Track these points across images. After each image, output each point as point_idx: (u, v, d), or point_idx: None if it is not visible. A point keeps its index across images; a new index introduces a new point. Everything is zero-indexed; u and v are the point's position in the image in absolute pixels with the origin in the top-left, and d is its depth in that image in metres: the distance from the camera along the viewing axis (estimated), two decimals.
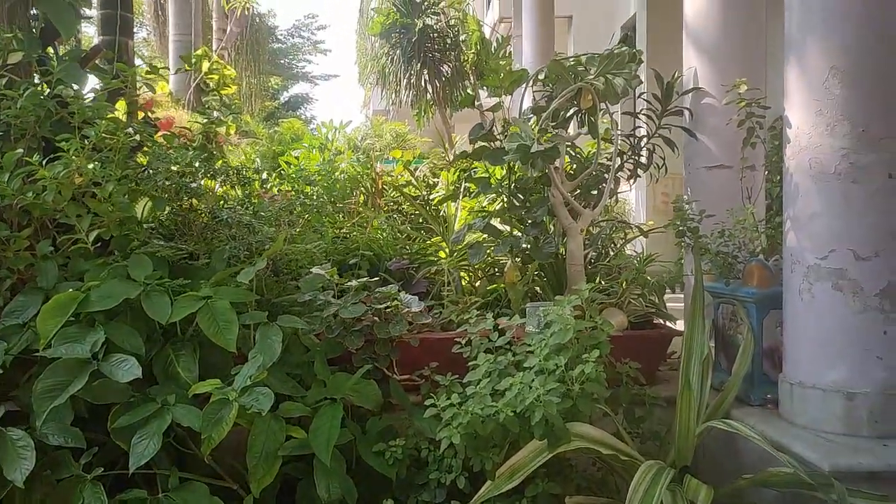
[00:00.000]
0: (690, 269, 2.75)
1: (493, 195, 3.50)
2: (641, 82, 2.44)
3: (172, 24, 10.12)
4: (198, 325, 2.10)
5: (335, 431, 1.96)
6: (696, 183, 2.83)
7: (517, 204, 2.91)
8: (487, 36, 9.64)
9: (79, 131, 2.41)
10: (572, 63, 2.60)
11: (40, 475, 1.75)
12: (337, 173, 5.79)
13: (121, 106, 2.98)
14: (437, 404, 1.95)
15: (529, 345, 2.08)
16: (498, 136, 2.82)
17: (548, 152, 2.26)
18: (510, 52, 8.93)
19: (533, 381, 1.85)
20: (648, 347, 2.52)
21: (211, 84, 5.50)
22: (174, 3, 10.06)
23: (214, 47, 12.84)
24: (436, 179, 5.63)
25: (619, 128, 2.81)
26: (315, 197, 3.36)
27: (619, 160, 2.91)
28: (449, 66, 8.31)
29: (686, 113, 2.83)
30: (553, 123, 2.52)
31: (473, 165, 5.30)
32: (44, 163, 2.17)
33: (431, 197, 5.32)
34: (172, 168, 2.39)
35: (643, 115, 2.90)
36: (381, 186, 5.46)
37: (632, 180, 3.02)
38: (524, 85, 2.84)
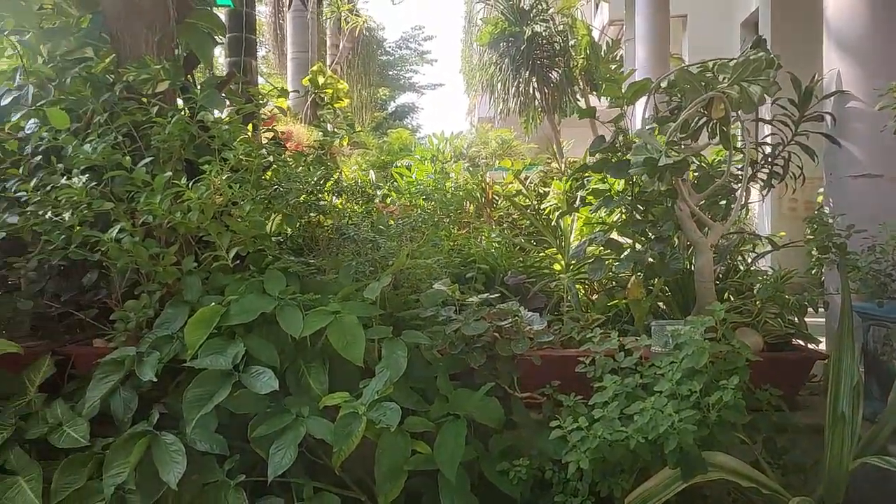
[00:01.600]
0: (834, 287, 2.54)
1: (607, 208, 3.42)
2: (780, 89, 2.29)
3: (290, 42, 10.65)
4: (326, 339, 2.19)
5: (460, 448, 1.97)
6: (839, 193, 2.62)
7: (639, 217, 2.82)
8: (597, 40, 9.46)
9: (218, 154, 2.58)
10: (699, 70, 2.48)
11: (189, 478, 1.86)
12: (448, 184, 5.86)
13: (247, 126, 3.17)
14: (562, 426, 1.91)
15: (659, 367, 2.00)
16: (619, 148, 2.74)
17: (677, 165, 2.16)
18: (621, 56, 8.71)
19: (666, 406, 1.77)
20: (788, 371, 2.35)
21: (325, 98, 5.71)
22: (292, 23, 10.59)
23: (328, 62, 13.41)
24: (546, 189, 5.56)
25: (750, 135, 2.65)
26: (431, 210, 3.40)
27: (750, 170, 2.74)
28: (557, 73, 8.23)
29: (828, 118, 2.62)
30: (682, 135, 2.42)
31: (586, 175, 5.20)
32: (190, 184, 2.33)
33: (542, 207, 5.26)
34: (302, 187, 2.49)
35: (777, 121, 2.72)
36: (490, 196, 5.46)
37: (765, 191, 2.84)
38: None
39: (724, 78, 2.31)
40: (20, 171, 2.56)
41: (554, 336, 2.39)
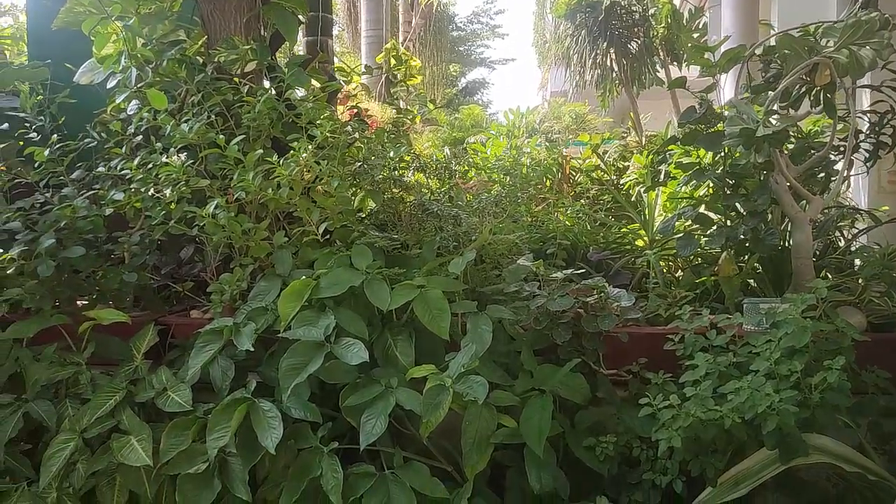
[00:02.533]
0: None
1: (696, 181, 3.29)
2: (894, 51, 2.13)
3: (364, 20, 10.74)
4: (411, 312, 2.23)
5: (546, 423, 1.97)
6: None
7: (729, 191, 2.71)
8: (678, 7, 9.06)
9: (305, 131, 2.64)
10: (801, 34, 2.34)
11: (285, 444, 1.95)
12: (524, 159, 5.80)
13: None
14: (652, 404, 1.88)
15: (754, 346, 1.93)
16: (710, 119, 2.63)
17: (776, 136, 2.06)
18: (704, 24, 8.33)
19: (764, 385, 1.71)
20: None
21: (399, 76, 5.75)
22: (366, 1, 10.67)
23: (400, 39, 13.45)
24: (626, 163, 5.42)
25: (855, 104, 2.49)
26: (510, 186, 3.38)
27: (854, 140, 2.58)
28: (636, 43, 7.95)
29: None
30: (783, 104, 2.29)
31: (669, 148, 5.03)
32: (280, 161, 2.40)
33: (622, 182, 5.13)
34: (385, 163, 2.52)
35: (887, 87, 2.54)
36: (568, 172, 5.38)
37: (870, 163, 2.67)
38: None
39: (829, 42, 2.17)
40: (123, 150, 2.70)
41: (640, 313, 2.34)
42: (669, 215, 3.57)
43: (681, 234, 2.70)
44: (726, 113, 2.50)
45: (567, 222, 3.29)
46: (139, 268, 2.70)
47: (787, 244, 2.55)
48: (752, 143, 2.08)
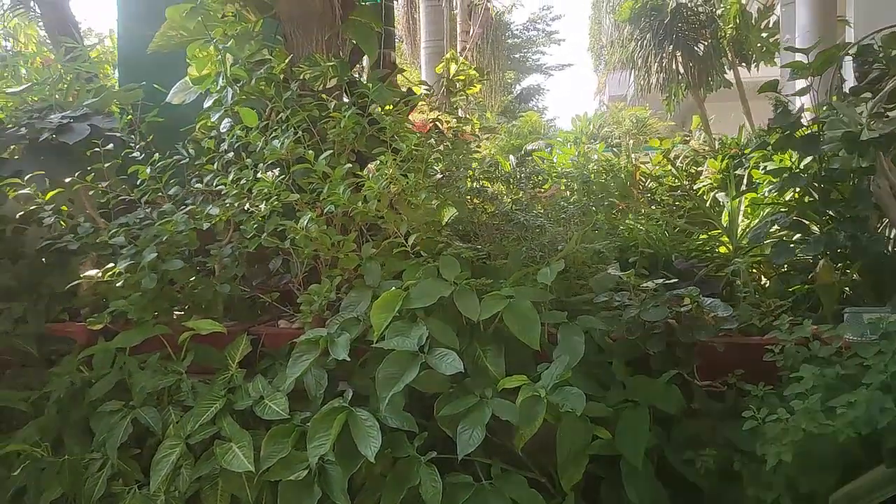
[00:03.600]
0: None
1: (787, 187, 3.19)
2: None
3: (424, 31, 10.86)
4: (499, 323, 2.23)
5: (644, 435, 1.94)
6: None
7: (817, 196, 2.62)
8: (746, 7, 8.81)
9: (389, 145, 2.69)
10: None
11: (381, 452, 1.98)
12: (591, 166, 5.74)
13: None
14: (757, 416, 1.83)
15: (864, 357, 1.86)
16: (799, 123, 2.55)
17: (882, 139, 1.98)
18: (775, 23, 8.08)
19: (883, 400, 1.64)
20: None
21: (458, 85, 5.76)
22: (425, 13, 10.79)
23: (458, 49, 13.53)
24: (699, 168, 5.30)
25: None
26: (591, 193, 3.35)
27: None
28: (704, 45, 7.77)
29: None
30: (890, 106, 2.21)
31: (746, 152, 4.88)
32: (369, 175, 2.45)
33: (696, 187, 5.02)
34: (469, 174, 2.55)
35: None
36: (638, 178, 5.29)
37: None
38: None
39: None
40: (215, 166, 2.81)
41: (736, 323, 2.28)
42: (753, 222, 3.48)
43: (773, 242, 2.61)
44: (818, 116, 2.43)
45: (646, 230, 3.23)
46: (230, 279, 2.80)
47: (890, 251, 2.44)
48: (856, 147, 2.01)
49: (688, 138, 8.52)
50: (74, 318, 2.98)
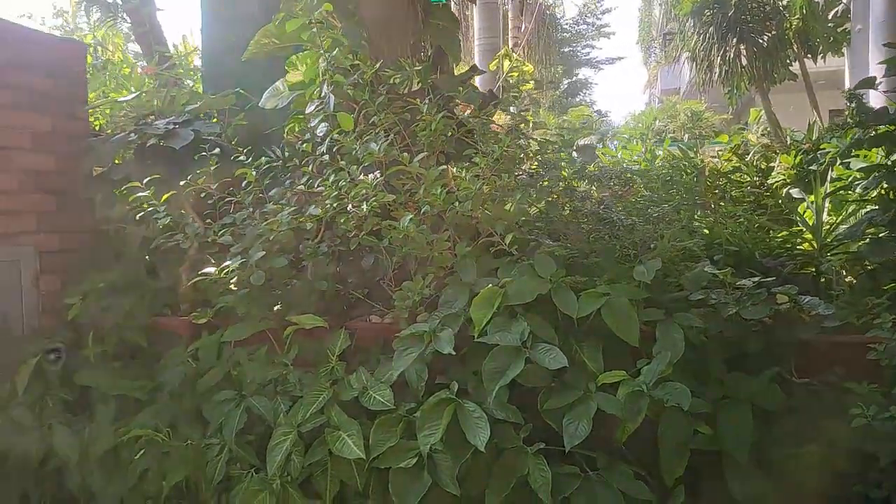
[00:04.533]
0: None
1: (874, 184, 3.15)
2: None
3: (477, 28, 10.90)
4: (593, 320, 2.29)
5: (749, 431, 1.98)
6: None
7: None
8: None
9: (479, 146, 2.77)
10: None
11: (489, 443, 2.06)
12: (657, 162, 5.72)
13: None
14: (866, 414, 1.85)
15: None
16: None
17: None
18: (843, 12, 7.85)
19: None
20: None
21: (511, 81, 5.81)
22: (479, 10, 10.83)
23: (510, 45, 13.54)
24: (770, 164, 5.23)
25: None
26: (668, 192, 3.37)
27: None
28: (768, 36, 7.62)
29: None
30: None
31: (821, 148, 4.80)
32: (465, 176, 2.54)
33: (769, 183, 4.96)
34: (560, 175, 2.61)
35: None
36: (706, 174, 5.25)
37: None
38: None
39: None
40: (310, 168, 2.95)
41: (836, 321, 2.29)
42: (837, 218, 3.44)
43: (868, 239, 2.60)
44: None
45: (732, 228, 3.23)
46: (326, 276, 2.92)
47: None
48: None
49: (745, 130, 8.38)
50: (175, 314, 3.17)
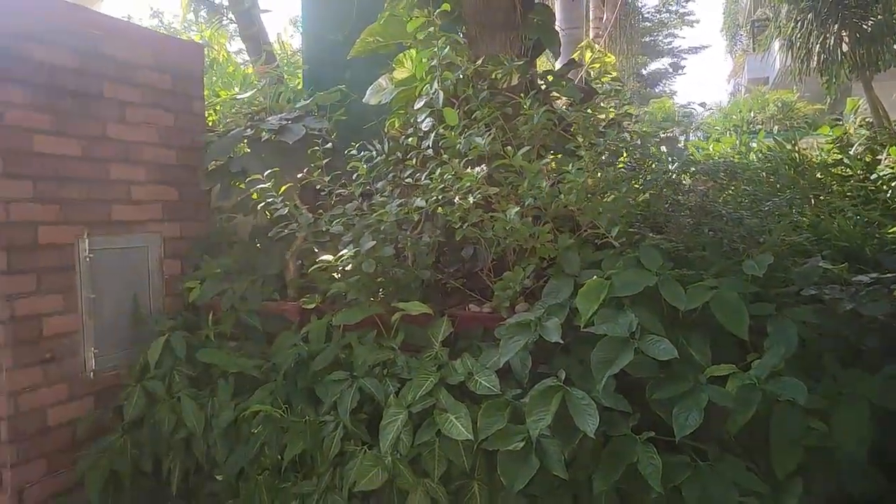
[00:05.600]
0: None
1: None
2: None
3: (560, 18, 10.79)
4: (699, 314, 2.30)
5: (866, 429, 1.95)
6: None
7: None
8: None
9: (583, 140, 2.81)
10: None
11: (597, 431, 2.11)
12: (751, 155, 5.56)
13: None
14: None
15: None
16: None
17: None
18: None
19: None
20: None
21: (593, 73, 5.76)
22: (561, 2, 10.72)
23: (591, 35, 13.34)
24: (877, 157, 5.01)
25: None
26: (772, 186, 3.30)
27: None
28: (873, 21, 7.21)
29: None
30: None
31: None
32: (572, 169, 2.58)
33: (873, 177, 4.75)
34: (664, 168, 2.61)
35: None
36: (806, 167, 5.07)
37: None
38: None
39: None
40: (414, 162, 3.06)
41: None
42: None
43: None
44: None
45: (841, 223, 3.14)
46: (428, 266, 3.03)
47: None
48: None
49: (838, 121, 7.99)
50: (284, 299, 3.36)
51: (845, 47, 7.52)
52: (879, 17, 7.24)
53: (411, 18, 3.44)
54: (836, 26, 7.10)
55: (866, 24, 7.24)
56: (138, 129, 3.27)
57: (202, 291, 3.28)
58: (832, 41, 7.11)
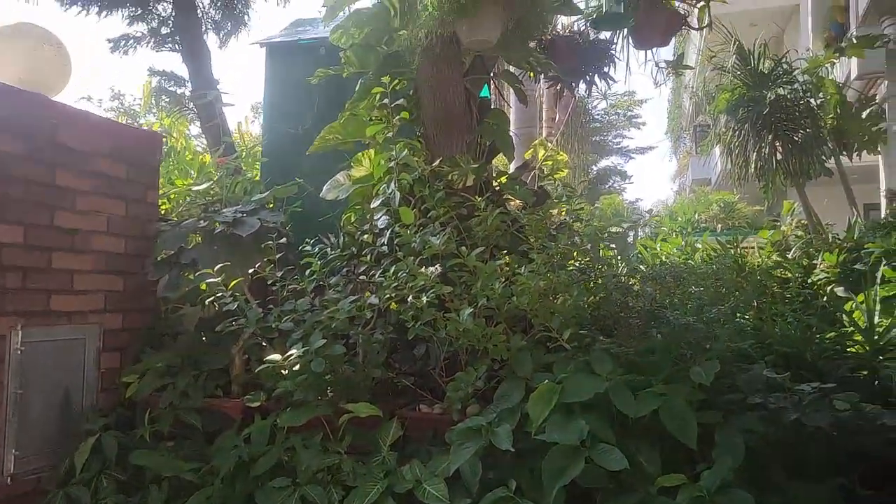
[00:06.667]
0: None
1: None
2: None
3: (515, 118, 11.29)
4: (649, 419, 2.30)
5: None
6: None
7: None
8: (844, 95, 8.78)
9: (534, 242, 2.87)
10: None
11: None
12: (697, 255, 5.76)
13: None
14: None
15: None
16: None
17: None
18: (878, 112, 8.02)
19: None
20: None
21: (546, 170, 5.98)
22: (516, 102, 11.26)
23: (545, 135, 13.95)
24: (813, 262, 5.24)
25: None
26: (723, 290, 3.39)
27: None
28: (803, 133, 7.75)
29: None
30: None
31: (866, 246, 4.80)
32: (524, 270, 2.62)
33: (810, 281, 4.96)
34: (613, 272, 2.67)
35: None
36: (748, 271, 5.26)
37: None
38: None
39: None
40: (370, 258, 3.06)
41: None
42: (885, 321, 3.42)
43: None
44: None
45: (783, 328, 3.23)
46: (380, 364, 2.98)
47: None
48: None
49: (776, 223, 8.42)
50: (228, 395, 3.23)
51: (780, 156, 8.01)
52: (808, 130, 7.78)
53: (371, 118, 3.54)
54: (771, 137, 7.59)
55: (797, 136, 7.76)
56: (88, 218, 3.20)
57: (140, 387, 3.14)
58: (767, 150, 7.58)
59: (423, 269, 2.67)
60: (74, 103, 3.55)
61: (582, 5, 4.27)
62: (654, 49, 4.54)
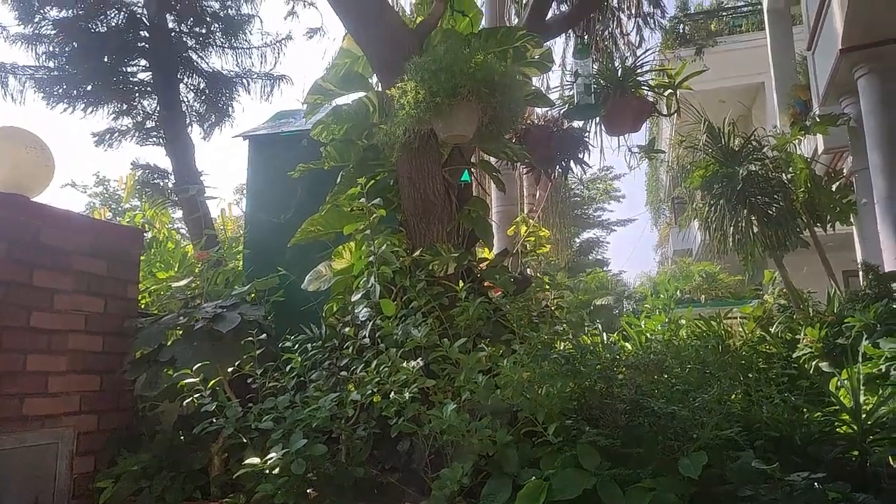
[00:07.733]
0: None
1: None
2: None
3: (496, 197, 11.50)
4: None
5: None
6: None
7: None
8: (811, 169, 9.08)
9: (517, 332, 2.87)
10: None
11: None
12: (681, 333, 5.77)
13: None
14: None
15: None
16: None
17: None
18: (847, 185, 8.29)
19: None
20: None
21: (528, 246, 6.03)
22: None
23: (526, 211, 14.19)
24: (796, 336, 5.27)
25: None
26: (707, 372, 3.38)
27: None
28: (777, 207, 7.96)
29: None
30: None
31: (846, 320, 4.84)
32: (506, 363, 2.60)
33: (795, 356, 4.96)
34: (599, 362, 2.66)
35: None
36: (734, 351, 5.27)
37: None
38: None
39: None
40: (351, 351, 3.03)
41: None
42: (874, 399, 3.41)
43: None
44: None
45: (770, 412, 3.20)
46: (362, 462, 2.90)
47: None
48: None
49: (760, 291, 8.49)
50: (206, 497, 3.11)
51: (756, 228, 8.17)
52: (781, 203, 7.99)
53: (352, 209, 3.59)
54: (746, 211, 7.77)
55: (771, 210, 7.95)
56: (65, 317, 3.16)
57: (115, 492, 3.02)
58: (744, 224, 7.73)
59: (405, 363, 2.64)
60: (60, 188, 3.56)
61: (555, 96, 4.44)
62: (627, 134, 4.71)
